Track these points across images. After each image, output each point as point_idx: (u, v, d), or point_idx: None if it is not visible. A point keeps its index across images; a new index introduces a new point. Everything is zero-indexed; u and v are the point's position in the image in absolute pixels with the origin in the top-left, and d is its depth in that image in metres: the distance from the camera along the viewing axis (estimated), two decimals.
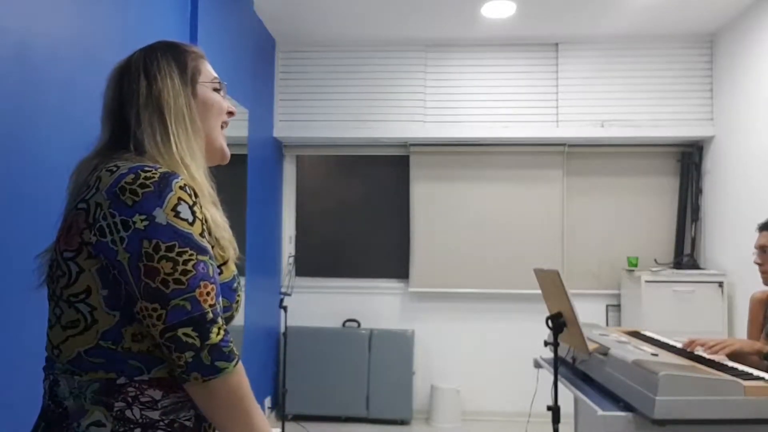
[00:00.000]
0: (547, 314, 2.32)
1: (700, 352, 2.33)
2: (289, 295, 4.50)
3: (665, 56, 4.50)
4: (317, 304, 4.76)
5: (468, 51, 4.62)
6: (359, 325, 4.75)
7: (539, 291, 2.54)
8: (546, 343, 2.52)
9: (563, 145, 4.66)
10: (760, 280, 2.49)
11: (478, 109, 4.59)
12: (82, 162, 1.11)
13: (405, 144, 4.78)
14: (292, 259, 4.89)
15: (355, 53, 4.68)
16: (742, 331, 2.82)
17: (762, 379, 1.93)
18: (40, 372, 1.08)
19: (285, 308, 4.22)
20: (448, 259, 4.71)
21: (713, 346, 2.26)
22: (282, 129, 4.68)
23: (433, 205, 4.76)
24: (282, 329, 4.50)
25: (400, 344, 4.55)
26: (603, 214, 4.72)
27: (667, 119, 4.47)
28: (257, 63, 4.16)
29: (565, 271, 4.57)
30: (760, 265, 2.44)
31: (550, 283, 2.34)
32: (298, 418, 4.46)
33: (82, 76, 2.08)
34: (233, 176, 3.72)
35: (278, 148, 4.83)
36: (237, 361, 0.99)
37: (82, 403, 0.98)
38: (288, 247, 4.93)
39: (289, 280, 4.78)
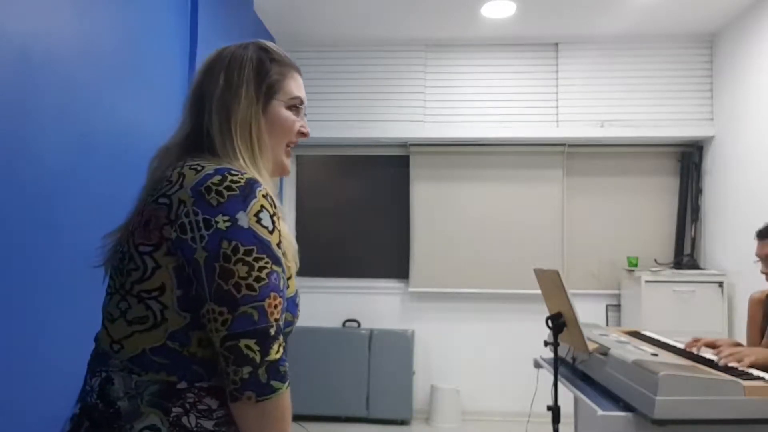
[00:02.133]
0: (547, 314, 2.33)
1: (704, 352, 2.33)
2: None
3: (665, 56, 4.50)
4: (317, 304, 4.76)
5: (468, 51, 4.62)
6: (359, 325, 4.75)
7: (539, 291, 2.54)
8: (546, 343, 2.52)
9: (563, 145, 4.66)
10: (760, 279, 2.49)
11: (478, 109, 4.58)
12: (163, 149, 1.11)
13: (405, 144, 4.78)
14: None
15: (355, 53, 4.68)
16: (741, 331, 2.82)
17: (762, 379, 1.93)
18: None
19: None
20: (448, 259, 4.71)
21: (728, 356, 2.15)
22: None
23: (433, 205, 4.76)
24: None
25: (400, 344, 4.55)
26: (603, 214, 4.72)
27: (667, 119, 4.47)
28: None
29: (565, 271, 4.57)
30: (766, 274, 2.42)
31: (550, 283, 2.34)
32: (298, 418, 4.46)
33: (82, 75, 2.08)
34: None
35: None
36: (288, 384, 0.97)
37: (137, 404, 0.95)
38: None
39: None
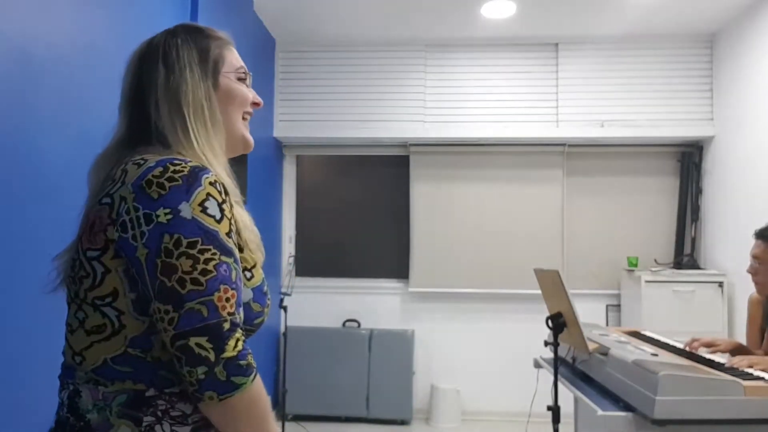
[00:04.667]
0: (547, 314, 2.33)
1: (702, 352, 2.33)
2: (289, 295, 4.50)
3: (665, 56, 4.50)
4: (317, 304, 4.76)
5: (468, 51, 4.62)
6: (359, 325, 4.74)
7: (539, 291, 2.54)
8: (546, 343, 2.52)
9: (563, 145, 4.66)
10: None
11: (478, 109, 4.58)
12: (101, 156, 1.06)
13: (405, 144, 4.78)
14: (292, 259, 4.89)
15: (355, 53, 4.68)
16: (741, 331, 2.82)
17: (762, 379, 1.93)
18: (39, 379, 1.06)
19: (285, 308, 4.22)
20: (448, 259, 4.71)
21: (740, 361, 2.11)
22: (282, 129, 4.68)
23: (433, 204, 4.76)
24: (282, 329, 4.50)
25: (400, 344, 4.55)
26: (603, 214, 4.72)
27: (667, 119, 4.47)
28: (257, 63, 4.16)
29: (565, 271, 4.57)
30: (752, 275, 2.43)
31: (550, 283, 2.34)
32: (298, 418, 4.46)
33: (82, 76, 2.08)
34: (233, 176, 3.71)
35: (278, 148, 4.83)
36: (255, 375, 0.91)
37: (107, 416, 0.91)
38: (288, 247, 4.93)
39: (289, 280, 4.78)
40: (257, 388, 0.92)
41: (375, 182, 4.96)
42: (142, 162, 0.94)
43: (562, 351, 2.45)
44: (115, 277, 0.92)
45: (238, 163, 3.76)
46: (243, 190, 4.15)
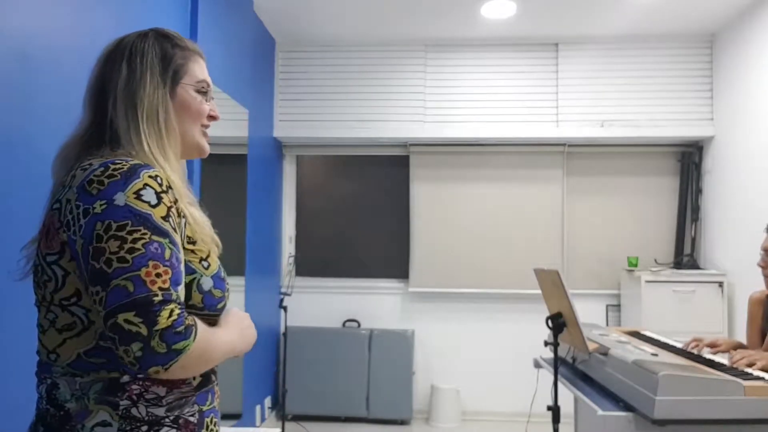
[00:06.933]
0: (547, 314, 2.33)
1: (705, 353, 2.33)
2: (289, 295, 4.50)
3: (665, 56, 4.50)
4: (317, 304, 4.76)
5: (468, 51, 4.62)
6: (359, 325, 4.75)
7: (539, 291, 2.54)
8: (546, 343, 2.52)
9: (563, 145, 4.66)
10: (760, 280, 2.48)
11: (478, 109, 4.58)
12: (63, 147, 1.10)
13: (405, 144, 4.78)
14: (292, 259, 4.89)
15: (355, 53, 4.68)
16: (741, 331, 2.82)
17: (762, 379, 1.93)
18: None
19: (285, 308, 4.22)
20: (448, 259, 4.71)
21: (740, 359, 2.12)
22: (282, 129, 4.68)
23: (433, 205, 4.76)
24: (282, 329, 4.51)
25: (400, 344, 4.55)
26: (603, 214, 4.72)
27: (667, 119, 4.47)
28: (257, 63, 4.16)
29: (565, 271, 4.57)
30: (763, 268, 2.43)
31: (550, 283, 2.34)
32: (298, 418, 4.46)
33: (81, 77, 2.08)
34: (233, 176, 3.72)
35: (278, 148, 4.83)
36: (196, 332, 0.93)
37: (85, 404, 0.95)
38: (288, 247, 4.93)
39: (289, 280, 4.78)
40: (201, 339, 0.93)
41: (375, 182, 4.96)
42: (88, 167, 0.98)
43: (562, 351, 2.46)
44: (75, 278, 0.96)
45: (238, 164, 3.77)
46: (243, 190, 4.15)
